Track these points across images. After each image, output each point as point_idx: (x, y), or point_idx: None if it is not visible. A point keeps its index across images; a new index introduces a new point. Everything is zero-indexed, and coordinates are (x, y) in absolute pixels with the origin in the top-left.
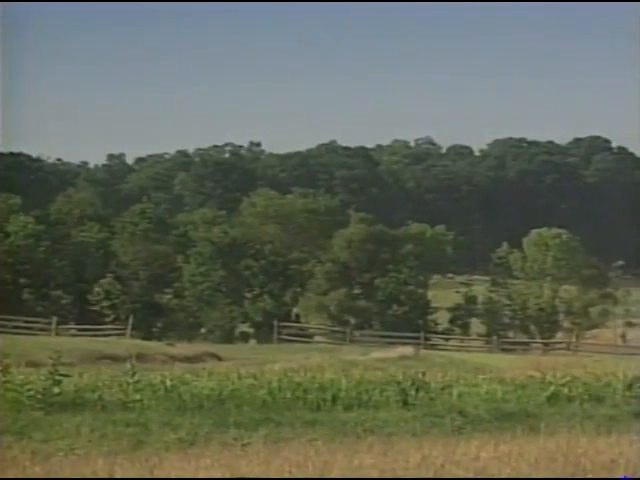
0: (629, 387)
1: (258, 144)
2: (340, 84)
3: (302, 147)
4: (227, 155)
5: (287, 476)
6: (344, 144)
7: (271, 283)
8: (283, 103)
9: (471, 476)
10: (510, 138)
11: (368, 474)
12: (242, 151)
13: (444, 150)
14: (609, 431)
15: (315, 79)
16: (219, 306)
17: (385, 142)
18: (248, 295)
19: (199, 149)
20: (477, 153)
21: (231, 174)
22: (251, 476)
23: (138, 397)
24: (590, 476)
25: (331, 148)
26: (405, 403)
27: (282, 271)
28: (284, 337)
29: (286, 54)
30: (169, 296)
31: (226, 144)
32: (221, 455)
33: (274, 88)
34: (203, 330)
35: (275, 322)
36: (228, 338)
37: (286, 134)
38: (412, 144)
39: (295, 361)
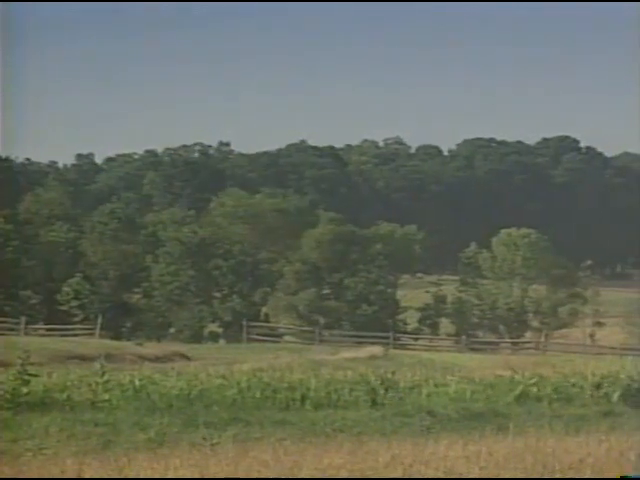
0: (597, 387)
1: (227, 144)
2: (309, 84)
3: (271, 147)
4: (196, 155)
5: (256, 476)
6: (313, 144)
7: (240, 283)
8: (252, 103)
9: (441, 476)
10: (479, 138)
11: (337, 474)
12: (211, 151)
13: (413, 150)
14: (577, 431)
15: (284, 79)
16: (188, 306)
17: (354, 142)
18: (217, 295)
19: (168, 149)
20: (446, 153)
21: (200, 174)
22: (220, 476)
23: (107, 397)
24: (559, 476)
25: (300, 148)
26: (374, 403)
27: (251, 271)
28: (253, 337)
29: (255, 54)
30: (138, 296)
31: (195, 144)
32: (190, 455)
33: (243, 88)
34: (172, 330)
35: (244, 322)
36: (197, 338)
37: (255, 134)
38: (381, 144)
39: (264, 361)
